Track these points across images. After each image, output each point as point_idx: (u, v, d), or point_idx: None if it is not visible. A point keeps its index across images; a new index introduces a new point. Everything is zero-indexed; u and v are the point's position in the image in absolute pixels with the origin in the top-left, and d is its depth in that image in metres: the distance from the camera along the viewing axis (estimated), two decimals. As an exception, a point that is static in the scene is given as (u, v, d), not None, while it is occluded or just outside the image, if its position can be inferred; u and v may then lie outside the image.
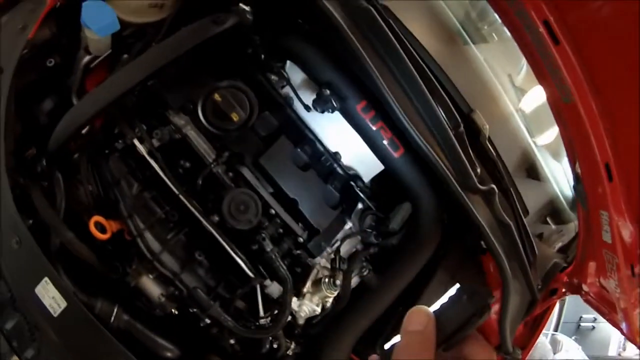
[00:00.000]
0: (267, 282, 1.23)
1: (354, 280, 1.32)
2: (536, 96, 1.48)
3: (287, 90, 1.32)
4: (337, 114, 1.24)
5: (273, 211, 1.24)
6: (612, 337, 4.22)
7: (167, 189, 1.20)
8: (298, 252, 1.27)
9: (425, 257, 1.25)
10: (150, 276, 1.18)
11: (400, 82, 1.09)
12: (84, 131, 1.20)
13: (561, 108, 1.02)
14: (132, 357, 1.03)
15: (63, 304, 1.04)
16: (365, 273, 1.33)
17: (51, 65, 1.25)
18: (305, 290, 1.29)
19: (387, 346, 0.44)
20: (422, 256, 1.25)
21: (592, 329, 3.74)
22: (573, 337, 3.38)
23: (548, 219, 1.67)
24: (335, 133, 1.31)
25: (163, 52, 1.12)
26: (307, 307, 1.28)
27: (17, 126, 1.18)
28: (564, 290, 1.49)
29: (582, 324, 3.65)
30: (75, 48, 1.26)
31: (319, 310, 1.30)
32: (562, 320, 4.21)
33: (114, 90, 1.11)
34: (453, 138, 1.08)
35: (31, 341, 1.09)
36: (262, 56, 1.28)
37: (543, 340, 3.29)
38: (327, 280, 1.28)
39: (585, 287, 1.36)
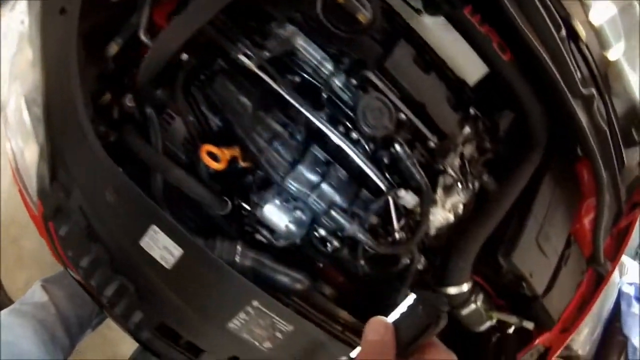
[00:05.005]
0: (401, 192, 1.12)
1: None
2: (602, 9, 1.36)
3: None
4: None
5: (404, 116, 1.13)
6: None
7: (282, 107, 1.10)
8: (429, 157, 1.18)
9: (536, 162, 1.20)
10: (277, 202, 1.08)
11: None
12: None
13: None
14: (269, 297, 0.92)
15: (177, 251, 0.89)
16: (485, 178, 1.24)
17: (115, 1, 1.05)
18: (437, 197, 1.18)
19: (353, 354, 0.53)
20: (534, 161, 1.20)
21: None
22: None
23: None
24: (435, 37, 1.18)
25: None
26: (440, 215, 1.18)
27: (91, 70, 1.03)
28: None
29: (640, 251, 3.56)
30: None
31: (452, 218, 1.21)
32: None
33: (211, 6, 0.96)
34: (559, 41, 1.04)
35: (139, 304, 0.95)
36: None
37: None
38: (459, 184, 1.19)
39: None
